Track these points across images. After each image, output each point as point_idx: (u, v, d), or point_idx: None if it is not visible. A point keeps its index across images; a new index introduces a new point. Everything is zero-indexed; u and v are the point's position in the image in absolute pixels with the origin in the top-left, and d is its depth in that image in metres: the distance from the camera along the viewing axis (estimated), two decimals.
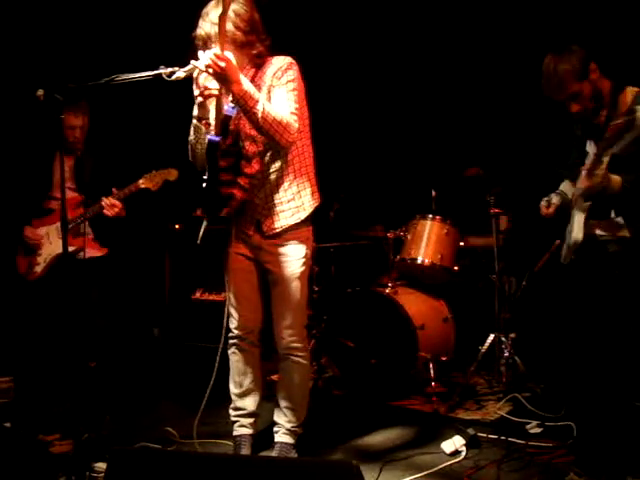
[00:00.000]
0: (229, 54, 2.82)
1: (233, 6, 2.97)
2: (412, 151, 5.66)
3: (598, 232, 3.05)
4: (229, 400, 3.54)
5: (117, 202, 3.96)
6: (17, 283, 4.17)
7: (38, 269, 4.07)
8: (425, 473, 3.33)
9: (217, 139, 2.99)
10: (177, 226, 5.56)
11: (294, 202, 3.25)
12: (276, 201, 3.24)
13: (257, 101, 2.91)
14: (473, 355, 4.53)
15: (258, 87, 3.08)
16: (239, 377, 3.48)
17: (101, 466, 3.21)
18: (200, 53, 2.83)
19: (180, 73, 2.68)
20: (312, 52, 5.53)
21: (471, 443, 3.56)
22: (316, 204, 3.33)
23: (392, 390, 4.42)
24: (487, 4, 5.18)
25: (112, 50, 5.00)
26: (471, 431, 3.59)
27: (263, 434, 3.63)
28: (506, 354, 4.40)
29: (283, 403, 3.43)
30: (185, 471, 2.29)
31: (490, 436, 3.70)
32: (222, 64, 2.77)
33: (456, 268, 4.69)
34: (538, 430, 3.77)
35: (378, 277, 4.96)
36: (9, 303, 4.50)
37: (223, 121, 3.01)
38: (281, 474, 2.29)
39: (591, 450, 3.08)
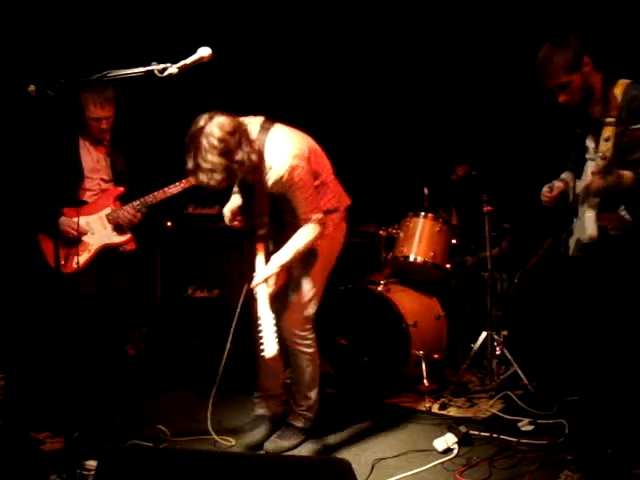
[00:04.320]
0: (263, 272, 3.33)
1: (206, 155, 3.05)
2: (404, 148, 5.65)
3: (609, 226, 3.05)
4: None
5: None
6: (41, 276, 4.04)
7: (80, 260, 3.86)
8: (417, 471, 3.33)
9: None
10: (169, 223, 5.55)
11: None
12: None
13: (292, 256, 3.37)
14: (465, 353, 4.54)
15: (265, 188, 3.35)
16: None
17: (92, 464, 3.20)
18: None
19: (172, 69, 2.66)
20: (307, 51, 5.56)
21: (463, 441, 3.56)
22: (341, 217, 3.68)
23: (384, 388, 4.42)
24: (479, 4, 5.19)
25: (106, 45, 4.98)
26: (463, 429, 3.59)
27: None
28: (498, 352, 4.41)
29: (293, 387, 3.75)
30: (176, 469, 2.29)
31: (482, 434, 3.71)
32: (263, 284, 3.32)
33: (448, 266, 4.69)
34: (530, 427, 3.78)
35: (370, 275, 4.96)
36: (2, 299, 4.49)
37: None
38: (272, 471, 2.29)
39: (588, 447, 3.08)
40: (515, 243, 5.05)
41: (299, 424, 3.70)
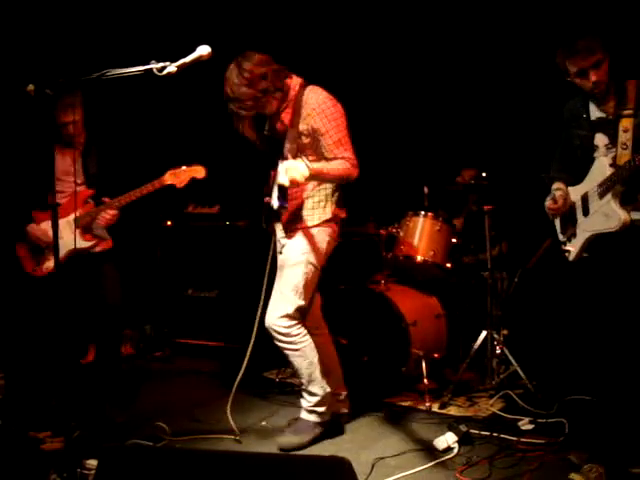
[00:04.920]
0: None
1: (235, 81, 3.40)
2: (404, 148, 5.65)
3: (634, 217, 3.07)
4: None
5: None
6: (20, 280, 4.07)
7: (50, 265, 3.90)
8: (417, 470, 3.33)
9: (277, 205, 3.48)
10: (169, 222, 5.55)
11: (311, 211, 3.63)
12: (300, 211, 3.64)
13: (318, 167, 3.40)
14: (465, 352, 4.54)
15: (296, 128, 3.52)
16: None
17: (92, 463, 3.20)
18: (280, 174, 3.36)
19: (171, 68, 2.66)
20: (307, 49, 5.56)
21: (463, 440, 3.56)
22: (329, 217, 3.65)
23: (384, 387, 4.42)
24: (482, 6, 5.19)
25: (104, 44, 4.98)
26: (463, 428, 3.59)
27: None
28: (498, 351, 4.41)
29: (299, 384, 3.78)
30: (176, 468, 2.29)
31: (482, 433, 3.70)
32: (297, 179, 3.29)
33: (449, 265, 4.69)
34: (530, 427, 3.77)
35: (370, 274, 4.95)
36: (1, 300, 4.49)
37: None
38: (272, 470, 2.29)
39: (610, 441, 3.09)
40: (515, 243, 5.05)
41: (312, 418, 3.70)
